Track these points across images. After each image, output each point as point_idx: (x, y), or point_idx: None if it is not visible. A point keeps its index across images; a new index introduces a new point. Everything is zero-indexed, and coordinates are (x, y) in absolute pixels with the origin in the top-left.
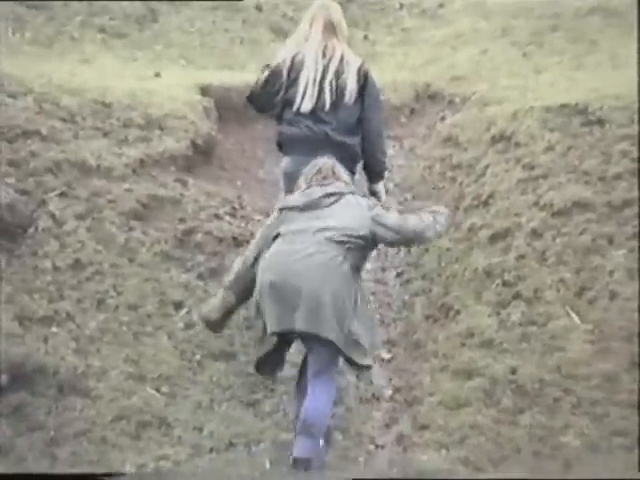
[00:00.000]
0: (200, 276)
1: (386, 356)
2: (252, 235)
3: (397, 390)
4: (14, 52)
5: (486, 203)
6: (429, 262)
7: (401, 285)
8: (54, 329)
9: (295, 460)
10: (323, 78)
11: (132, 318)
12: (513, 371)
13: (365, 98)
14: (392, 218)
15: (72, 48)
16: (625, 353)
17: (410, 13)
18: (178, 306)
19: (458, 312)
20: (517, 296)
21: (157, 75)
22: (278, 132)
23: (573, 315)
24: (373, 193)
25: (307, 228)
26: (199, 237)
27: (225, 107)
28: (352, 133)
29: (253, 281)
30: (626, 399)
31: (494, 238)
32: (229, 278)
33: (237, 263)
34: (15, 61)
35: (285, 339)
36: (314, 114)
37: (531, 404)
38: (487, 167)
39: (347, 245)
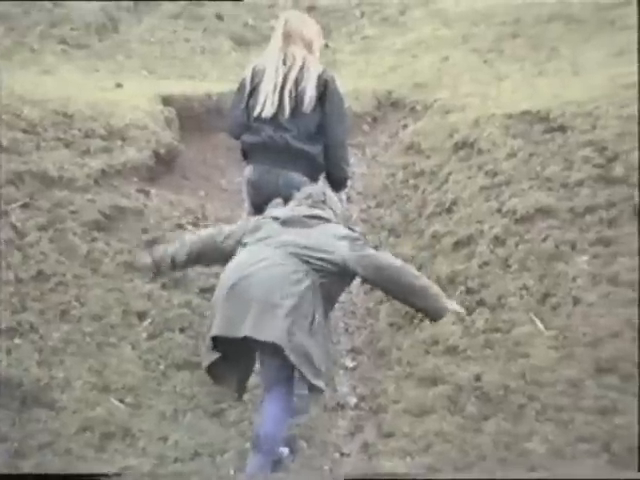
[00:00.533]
0: (164, 286)
1: (350, 364)
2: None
3: (362, 398)
4: None
5: (449, 210)
6: None
7: (365, 293)
8: (17, 341)
9: (249, 476)
10: (283, 86)
11: (96, 329)
12: (477, 378)
13: (326, 106)
14: (384, 258)
15: (32, 59)
16: (589, 359)
17: (371, 21)
18: (142, 316)
19: (422, 319)
20: (481, 303)
21: (118, 85)
22: (241, 141)
23: (537, 321)
24: None
25: (276, 241)
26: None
27: (187, 117)
28: (313, 141)
29: (210, 251)
30: (591, 405)
31: (457, 245)
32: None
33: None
34: None
35: (241, 347)
36: (275, 121)
37: (496, 411)
38: (450, 174)
39: (312, 265)
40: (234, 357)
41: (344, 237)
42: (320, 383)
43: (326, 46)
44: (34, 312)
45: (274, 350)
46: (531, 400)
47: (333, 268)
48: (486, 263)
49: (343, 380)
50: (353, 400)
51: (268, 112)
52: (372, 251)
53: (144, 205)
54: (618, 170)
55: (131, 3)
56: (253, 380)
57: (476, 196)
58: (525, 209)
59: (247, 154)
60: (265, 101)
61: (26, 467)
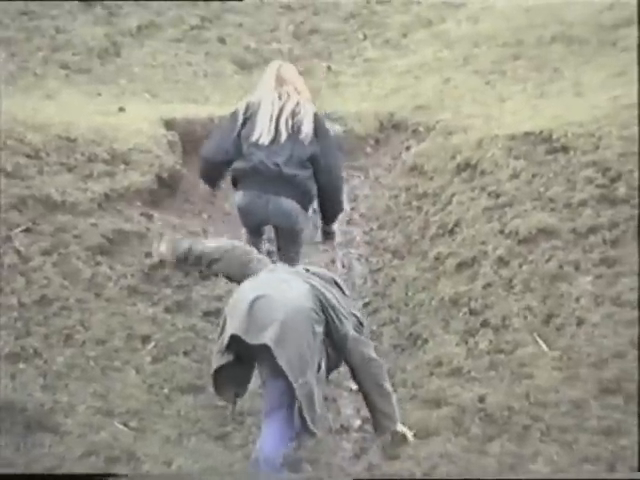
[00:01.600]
0: (167, 309)
1: (354, 386)
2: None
3: (366, 420)
4: None
5: (452, 232)
6: (396, 291)
7: (369, 315)
8: (21, 365)
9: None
10: (279, 116)
11: (99, 353)
12: (481, 399)
13: (321, 141)
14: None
15: (35, 84)
16: (593, 379)
17: (373, 43)
18: (145, 340)
19: (426, 341)
20: (484, 324)
21: (121, 110)
22: (232, 168)
23: (541, 342)
24: (327, 233)
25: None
26: (165, 271)
27: (189, 140)
28: (304, 167)
29: (236, 267)
30: (595, 425)
31: (460, 266)
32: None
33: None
34: None
35: (245, 361)
36: (270, 148)
37: (500, 432)
38: (453, 196)
39: (326, 315)
40: (237, 366)
41: (354, 315)
42: (314, 428)
43: (328, 68)
44: (38, 337)
45: (280, 371)
46: (535, 421)
47: (337, 336)
48: (489, 284)
49: (347, 402)
50: (357, 422)
51: (265, 139)
52: (369, 341)
53: (147, 229)
54: (621, 190)
55: (133, 27)
56: (257, 403)
57: (479, 217)
58: (528, 230)
59: (237, 181)
60: (262, 129)
61: None
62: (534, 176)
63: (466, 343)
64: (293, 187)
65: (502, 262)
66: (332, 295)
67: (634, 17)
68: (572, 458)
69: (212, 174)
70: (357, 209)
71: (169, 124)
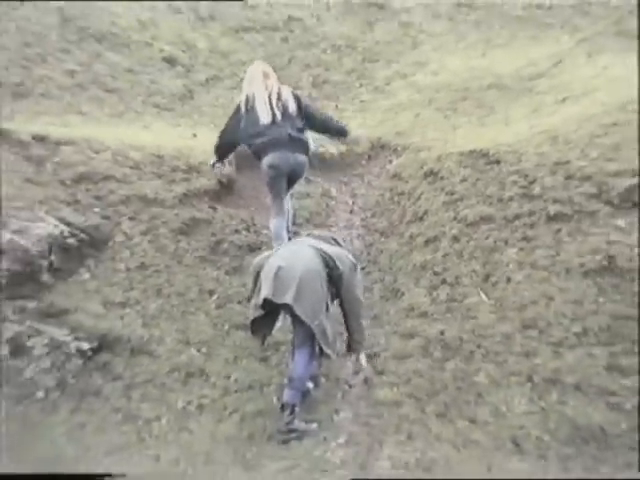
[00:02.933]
0: (227, 272)
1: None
2: (262, 243)
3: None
4: (97, 122)
5: (421, 218)
6: (383, 260)
7: (365, 276)
8: (127, 310)
9: (282, 404)
10: (271, 101)
11: (180, 302)
12: (442, 333)
13: (303, 108)
14: (360, 289)
15: (136, 118)
16: (517, 319)
17: (367, 89)
18: (211, 293)
19: (403, 293)
20: (443, 282)
21: (194, 136)
22: (253, 144)
23: (482, 294)
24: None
25: (307, 243)
26: (225, 246)
27: (241, 157)
28: (301, 132)
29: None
30: (519, 350)
31: (427, 242)
32: None
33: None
34: (98, 129)
35: (273, 312)
36: (274, 124)
37: (454, 355)
38: (421, 194)
39: (328, 266)
40: (266, 317)
41: (348, 259)
42: (330, 352)
43: (336, 107)
44: (138, 290)
45: (304, 322)
46: (478, 347)
47: (336, 275)
48: (447, 254)
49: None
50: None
51: (266, 120)
52: (359, 277)
53: (212, 217)
54: (536, 190)
55: (203, 79)
56: (287, 337)
57: (439, 208)
58: (473, 217)
59: (261, 152)
60: (262, 113)
61: (134, 396)
62: (477, 180)
63: (431, 295)
64: (301, 146)
65: (455, 239)
66: (330, 248)
67: (545, 72)
68: (503, 372)
69: (224, 151)
70: (356, 203)
71: None
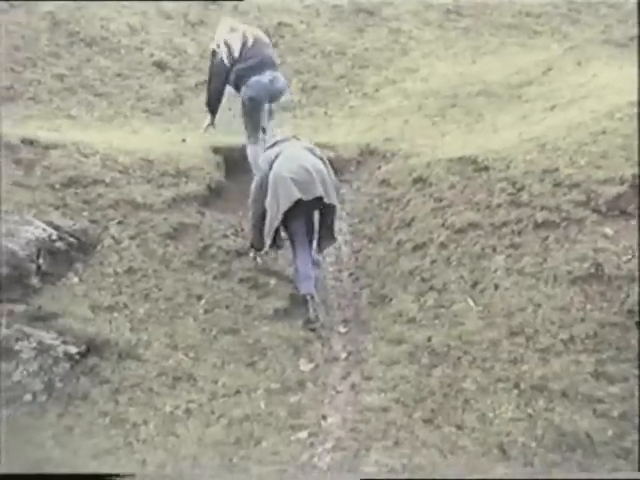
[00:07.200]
0: (215, 277)
1: (342, 330)
2: (249, 249)
3: (350, 353)
4: (86, 126)
5: (409, 225)
6: (371, 265)
7: (353, 281)
8: (115, 314)
9: (305, 295)
10: (245, 36)
11: (168, 307)
12: (429, 339)
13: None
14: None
15: (125, 123)
16: (505, 326)
17: (356, 95)
18: (199, 298)
19: (391, 300)
20: (431, 288)
21: (184, 141)
22: (236, 70)
23: (469, 300)
24: None
25: (299, 145)
26: (213, 250)
27: (231, 162)
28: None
29: None
30: (506, 357)
31: (415, 248)
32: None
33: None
34: (87, 133)
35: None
36: (253, 50)
37: (441, 361)
38: (410, 200)
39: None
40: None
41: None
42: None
43: (325, 113)
44: (126, 295)
45: (306, 222)
46: (465, 354)
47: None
48: (435, 261)
49: (338, 341)
50: (344, 354)
51: (245, 48)
52: (339, 211)
53: (200, 222)
54: (524, 197)
55: (192, 84)
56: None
57: (428, 215)
58: (461, 223)
59: (244, 76)
60: (240, 47)
61: (122, 400)
62: (465, 187)
63: (418, 301)
64: (277, 67)
65: (443, 246)
66: (315, 154)
67: (534, 80)
68: (490, 379)
69: (215, 98)
70: (344, 209)
71: (216, 150)
